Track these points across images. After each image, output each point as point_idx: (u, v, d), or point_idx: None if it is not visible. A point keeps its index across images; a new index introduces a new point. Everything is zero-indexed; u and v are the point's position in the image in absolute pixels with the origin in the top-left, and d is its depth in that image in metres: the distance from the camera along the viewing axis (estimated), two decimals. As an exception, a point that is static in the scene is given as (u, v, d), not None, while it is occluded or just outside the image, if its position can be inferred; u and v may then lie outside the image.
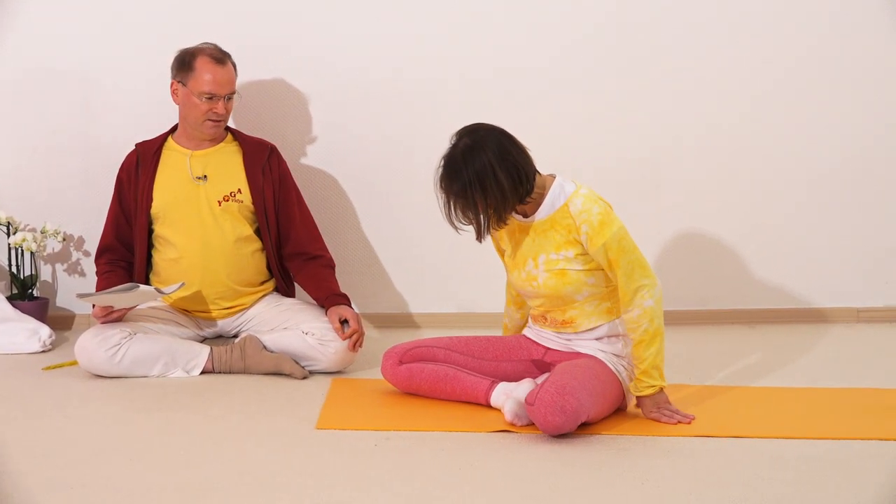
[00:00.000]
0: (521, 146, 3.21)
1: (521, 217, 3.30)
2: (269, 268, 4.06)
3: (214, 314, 3.99)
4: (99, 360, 3.71)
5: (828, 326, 4.52)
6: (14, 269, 4.36)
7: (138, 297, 3.74)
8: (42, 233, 4.35)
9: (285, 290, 4.09)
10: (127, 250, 4.03)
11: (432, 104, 4.48)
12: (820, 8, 4.49)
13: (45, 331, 4.15)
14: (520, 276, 3.33)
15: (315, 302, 3.99)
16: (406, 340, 3.58)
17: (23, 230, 4.38)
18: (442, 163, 3.19)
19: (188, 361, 3.78)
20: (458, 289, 4.58)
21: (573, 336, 3.34)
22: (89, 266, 4.46)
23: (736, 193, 4.57)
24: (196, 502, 2.66)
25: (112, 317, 3.77)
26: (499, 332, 3.70)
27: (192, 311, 3.99)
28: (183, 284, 3.83)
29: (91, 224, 4.43)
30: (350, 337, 3.79)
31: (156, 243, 4.00)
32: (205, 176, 3.97)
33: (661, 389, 3.22)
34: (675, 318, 4.39)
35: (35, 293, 4.41)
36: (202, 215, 3.94)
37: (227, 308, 3.99)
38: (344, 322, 3.82)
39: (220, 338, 4.05)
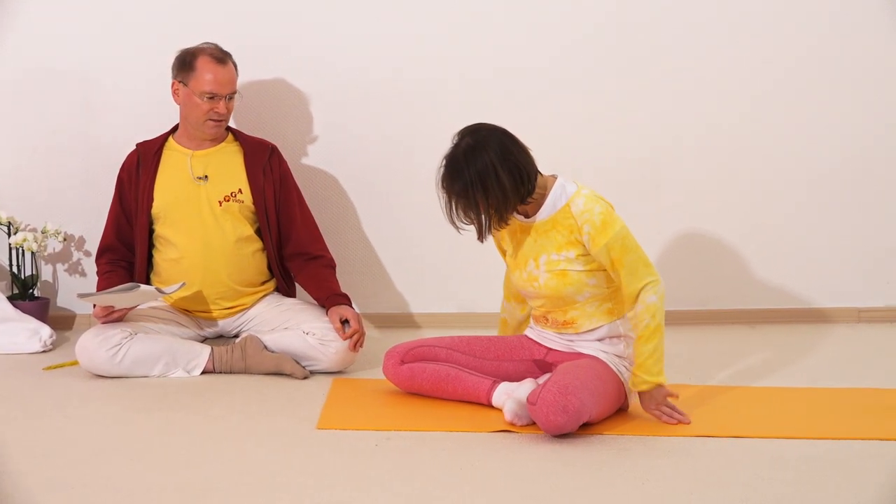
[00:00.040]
0: (523, 146, 3.21)
1: (522, 217, 3.30)
2: (269, 268, 4.06)
3: (215, 314, 3.99)
4: (100, 360, 3.71)
5: (828, 326, 4.52)
6: (15, 269, 4.36)
7: (139, 297, 3.74)
8: (43, 233, 4.35)
9: (286, 290, 4.09)
10: (128, 250, 4.03)
11: (432, 104, 4.48)
12: (820, 8, 4.49)
13: (45, 331, 4.15)
14: (521, 277, 3.33)
15: (316, 302, 3.99)
16: (406, 340, 3.58)
17: (23, 230, 4.38)
18: (444, 162, 3.19)
19: (189, 361, 3.78)
20: (458, 289, 4.58)
21: (575, 337, 3.34)
22: (90, 266, 4.46)
23: (736, 193, 4.57)
24: (196, 502, 2.66)
25: (113, 317, 3.77)
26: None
27: (192, 311, 3.99)
28: (184, 284, 3.83)
29: (92, 224, 4.43)
30: (351, 337, 3.79)
31: (156, 243, 4.00)
32: (206, 176, 3.97)
33: (660, 386, 3.21)
34: (676, 319, 4.38)
35: (36, 293, 4.41)
36: (203, 215, 3.94)
37: (228, 308, 3.99)
38: (345, 322, 3.82)
39: (220, 338, 4.05)
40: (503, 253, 3.44)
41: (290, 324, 3.88)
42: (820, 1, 4.48)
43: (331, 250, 4.12)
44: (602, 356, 3.29)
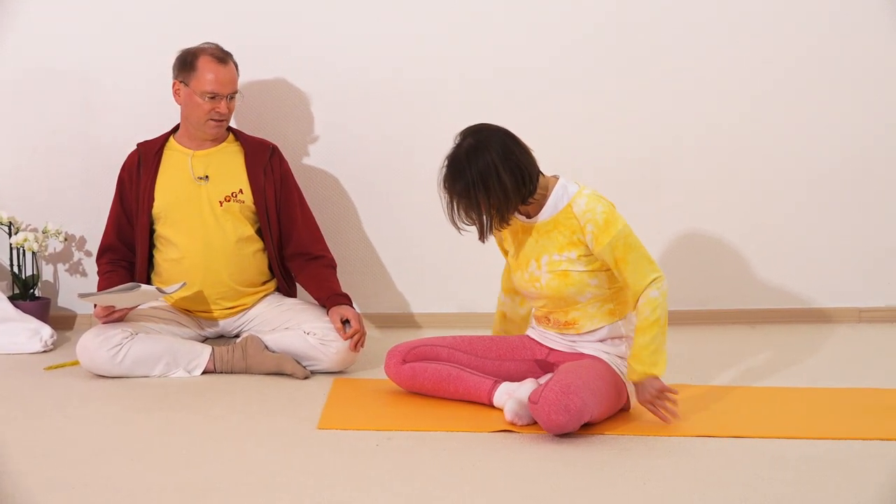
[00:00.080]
0: (525, 147, 3.21)
1: (524, 218, 3.30)
2: (270, 268, 4.06)
3: (216, 314, 3.99)
4: (100, 360, 3.71)
5: (829, 326, 4.52)
6: (15, 269, 4.36)
7: (140, 296, 3.74)
8: (43, 233, 4.35)
9: (287, 290, 4.09)
10: (128, 250, 4.03)
11: (432, 104, 4.48)
12: (820, 8, 4.49)
13: (46, 331, 4.15)
14: (523, 277, 3.33)
15: (316, 302, 3.99)
16: (407, 340, 3.58)
17: (24, 230, 4.38)
18: (445, 162, 3.19)
19: (190, 361, 3.78)
20: (458, 289, 4.58)
21: (576, 338, 3.34)
22: (91, 266, 4.46)
23: (736, 193, 4.57)
24: (196, 502, 2.66)
25: (113, 317, 3.77)
26: (499, 332, 3.69)
27: (193, 311, 3.99)
28: (184, 284, 3.83)
29: (92, 224, 4.43)
30: (351, 337, 3.79)
31: (157, 243, 4.00)
32: (206, 176, 3.97)
33: (654, 378, 3.19)
34: (676, 319, 4.38)
35: (36, 293, 4.41)
36: (204, 215, 3.94)
37: (229, 308, 3.99)
38: (345, 322, 3.82)
39: (221, 338, 4.06)
40: (505, 254, 3.44)
41: (291, 324, 3.88)
42: (820, 1, 4.48)
43: (331, 250, 4.12)
44: (604, 357, 3.29)
